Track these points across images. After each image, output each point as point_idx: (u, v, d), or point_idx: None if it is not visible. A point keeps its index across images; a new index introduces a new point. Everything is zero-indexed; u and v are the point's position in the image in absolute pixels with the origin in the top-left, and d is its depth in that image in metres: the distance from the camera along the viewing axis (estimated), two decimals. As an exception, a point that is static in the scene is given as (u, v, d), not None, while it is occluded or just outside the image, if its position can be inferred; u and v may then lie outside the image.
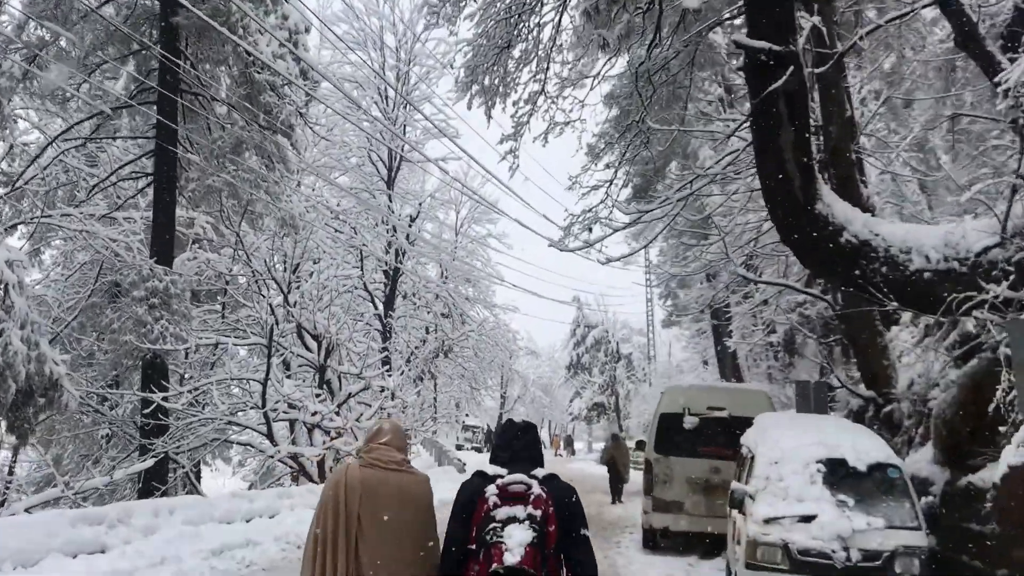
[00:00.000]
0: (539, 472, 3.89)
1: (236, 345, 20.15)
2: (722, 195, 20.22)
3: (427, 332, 34.88)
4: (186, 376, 20.72)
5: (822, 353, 13.72)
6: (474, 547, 3.69)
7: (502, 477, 3.82)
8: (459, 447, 44.67)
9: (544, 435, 70.04)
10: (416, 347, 33.14)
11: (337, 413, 20.37)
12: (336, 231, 29.84)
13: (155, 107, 18.16)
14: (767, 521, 7.22)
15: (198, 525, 11.22)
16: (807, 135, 8.74)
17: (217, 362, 22.09)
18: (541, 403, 66.20)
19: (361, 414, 21.70)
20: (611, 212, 16.08)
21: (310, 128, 23.57)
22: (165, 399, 17.43)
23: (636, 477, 20.85)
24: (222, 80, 19.86)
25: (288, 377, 21.98)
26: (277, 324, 20.35)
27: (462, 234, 39.16)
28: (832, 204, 8.77)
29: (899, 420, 10.91)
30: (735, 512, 7.90)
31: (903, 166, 17.45)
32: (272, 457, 20.26)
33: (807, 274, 13.79)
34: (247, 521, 12.77)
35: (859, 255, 8.59)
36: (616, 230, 12.93)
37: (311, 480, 19.61)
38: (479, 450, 48.89)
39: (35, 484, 21.96)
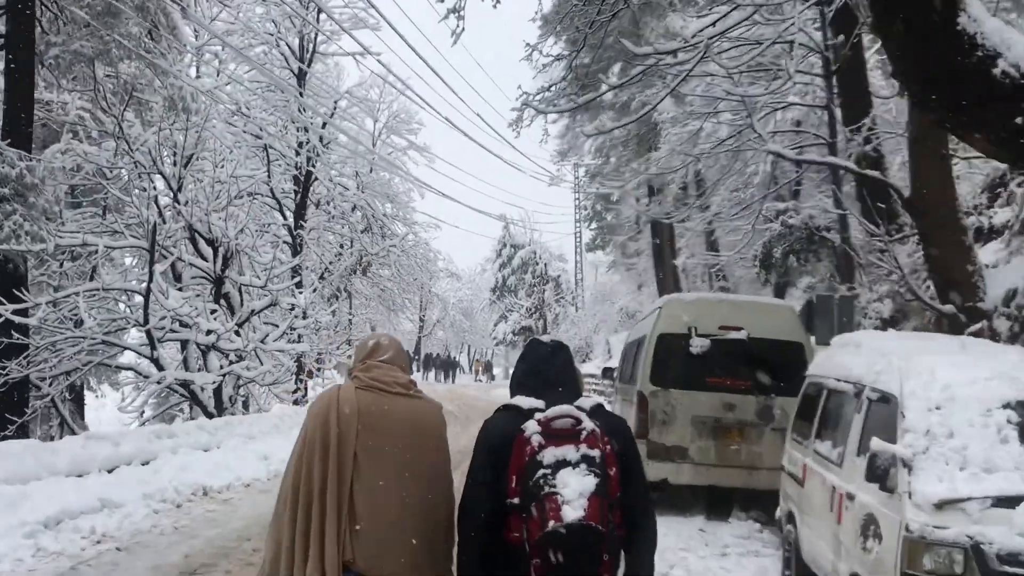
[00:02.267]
0: (584, 402, 2.91)
1: (109, 248, 16.59)
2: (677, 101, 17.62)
3: (342, 248, 31.54)
4: (61, 288, 17.15)
5: (896, 263, 10.88)
6: (517, 501, 2.72)
7: (540, 410, 2.83)
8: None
9: (464, 359, 67.84)
10: (331, 262, 29.82)
11: (237, 333, 17.14)
12: (242, 130, 26.09)
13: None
14: (939, 505, 4.35)
15: (27, 483, 7.94)
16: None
17: (96, 271, 18.52)
18: (462, 327, 63.53)
19: (267, 335, 18.52)
20: (577, 89, 13.10)
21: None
22: (23, 312, 14.03)
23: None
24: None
25: (180, 290, 18.47)
26: (164, 222, 16.85)
27: (386, 133, 35.47)
28: (981, 19, 5.85)
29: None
30: (875, 487, 4.85)
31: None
32: (159, 384, 17.02)
33: (857, 155, 10.99)
34: (109, 472, 9.56)
35: (1021, 93, 5.75)
36: (612, 87, 9.88)
37: (205, 412, 16.47)
38: (395, 375, 46.17)
39: None
